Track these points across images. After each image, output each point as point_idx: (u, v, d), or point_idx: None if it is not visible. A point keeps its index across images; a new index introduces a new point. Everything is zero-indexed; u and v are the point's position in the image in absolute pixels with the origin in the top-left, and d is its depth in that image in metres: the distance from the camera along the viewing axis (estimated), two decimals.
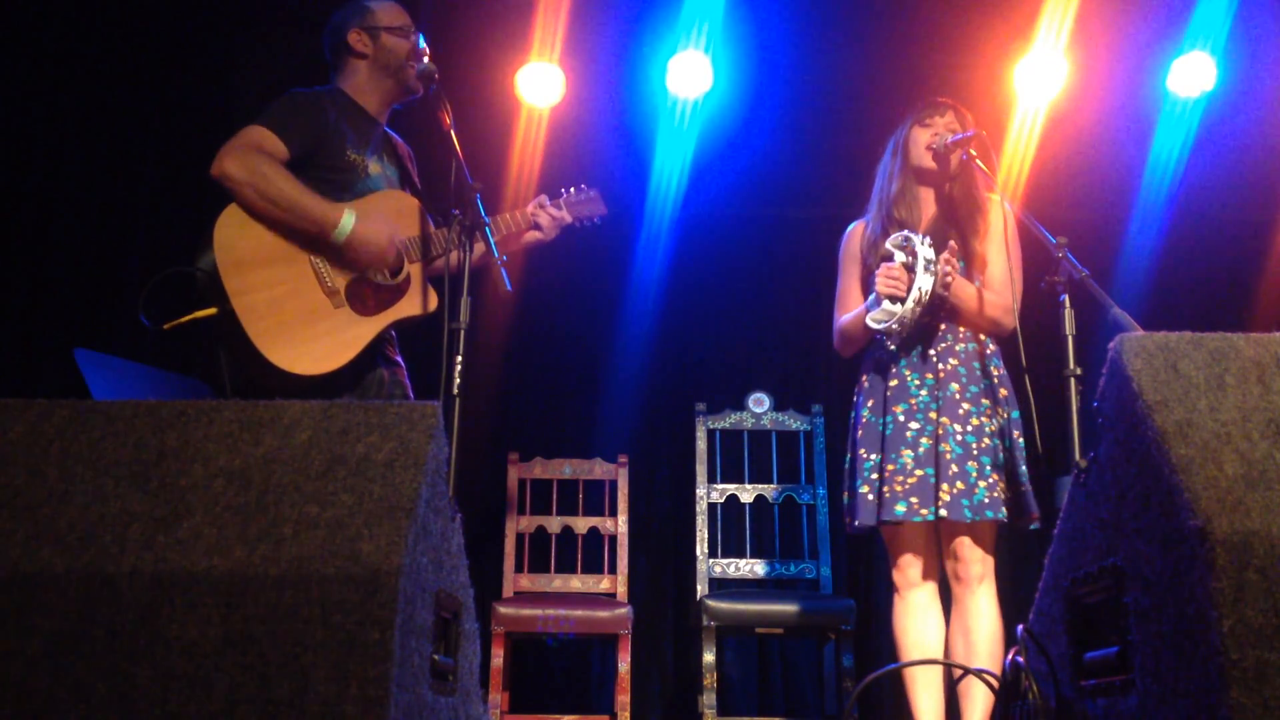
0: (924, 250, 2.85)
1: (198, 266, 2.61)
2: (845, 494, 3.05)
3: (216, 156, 2.66)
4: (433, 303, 2.82)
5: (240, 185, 2.64)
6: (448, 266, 2.54)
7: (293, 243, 2.69)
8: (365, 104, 2.94)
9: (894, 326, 2.88)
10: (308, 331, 2.64)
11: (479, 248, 2.78)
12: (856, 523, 2.97)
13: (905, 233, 2.93)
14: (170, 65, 4.53)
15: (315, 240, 2.69)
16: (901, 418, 2.94)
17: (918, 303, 2.83)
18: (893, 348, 2.99)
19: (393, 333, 2.94)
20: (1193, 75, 4.42)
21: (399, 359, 2.94)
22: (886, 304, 2.89)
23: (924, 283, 2.83)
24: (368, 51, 2.92)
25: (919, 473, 2.87)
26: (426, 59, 2.88)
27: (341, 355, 2.68)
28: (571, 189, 3.12)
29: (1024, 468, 2.89)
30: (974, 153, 2.95)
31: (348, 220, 2.68)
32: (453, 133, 2.73)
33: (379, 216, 2.77)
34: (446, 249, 2.77)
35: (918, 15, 4.41)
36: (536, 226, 3.03)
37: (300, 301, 2.66)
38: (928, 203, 3.11)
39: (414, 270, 2.81)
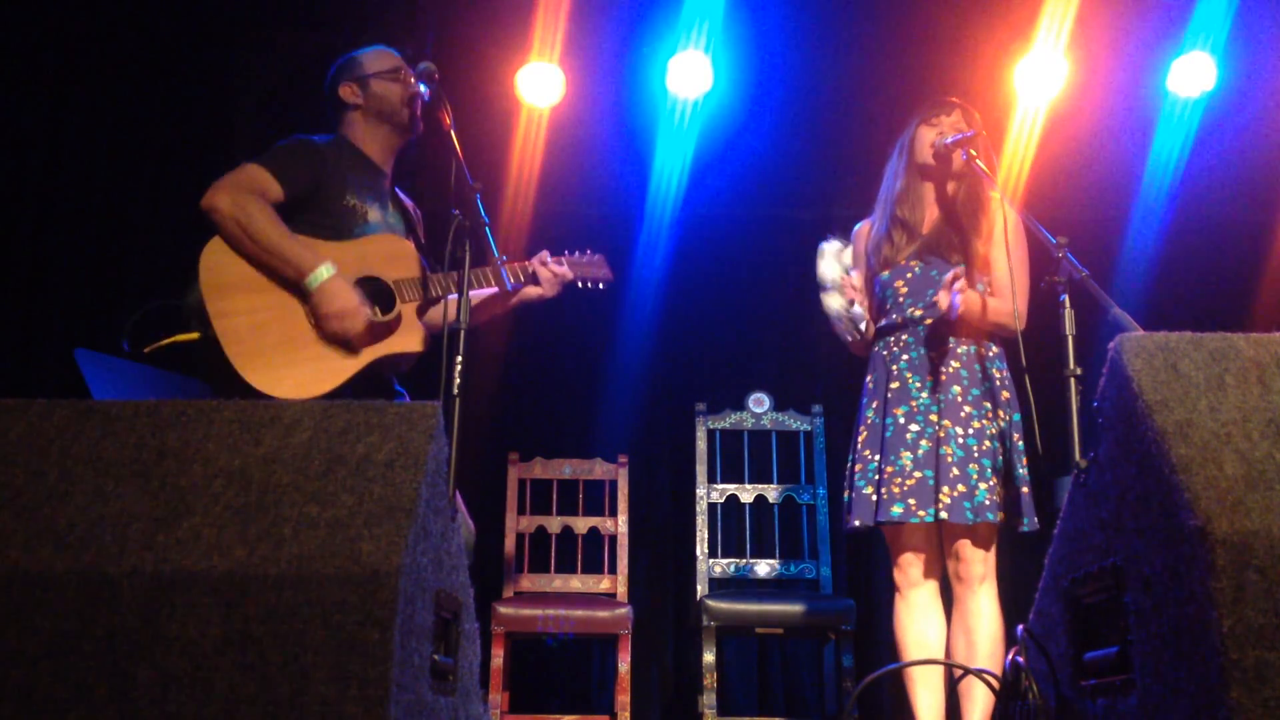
0: (826, 269, 3.08)
1: (184, 298, 2.63)
2: (846, 492, 3.05)
3: (209, 190, 2.69)
4: (419, 344, 2.81)
5: (225, 220, 2.66)
6: (445, 316, 2.49)
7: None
8: (369, 152, 2.96)
9: (852, 332, 3.01)
10: (289, 358, 2.64)
11: (479, 296, 2.86)
12: (855, 521, 2.97)
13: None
14: (170, 65, 4.52)
15: (292, 285, 2.69)
16: (902, 420, 2.94)
17: (837, 319, 3.02)
18: (894, 347, 3.00)
19: (390, 376, 2.92)
20: (1193, 75, 4.42)
21: (401, 389, 2.93)
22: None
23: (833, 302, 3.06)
24: (360, 102, 2.94)
25: (918, 474, 2.88)
26: (424, 88, 2.88)
27: (322, 384, 2.67)
28: (576, 252, 3.10)
29: (1022, 471, 2.89)
30: (974, 152, 2.95)
31: (323, 272, 2.67)
32: (453, 133, 2.74)
33: (352, 264, 2.75)
34: (436, 299, 2.80)
35: (918, 15, 4.41)
36: (535, 281, 2.98)
37: (284, 329, 2.66)
38: (931, 202, 3.11)
39: (406, 310, 2.80)
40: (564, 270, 3.01)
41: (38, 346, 4.30)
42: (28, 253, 4.39)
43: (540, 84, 4.43)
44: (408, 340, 2.79)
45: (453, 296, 2.73)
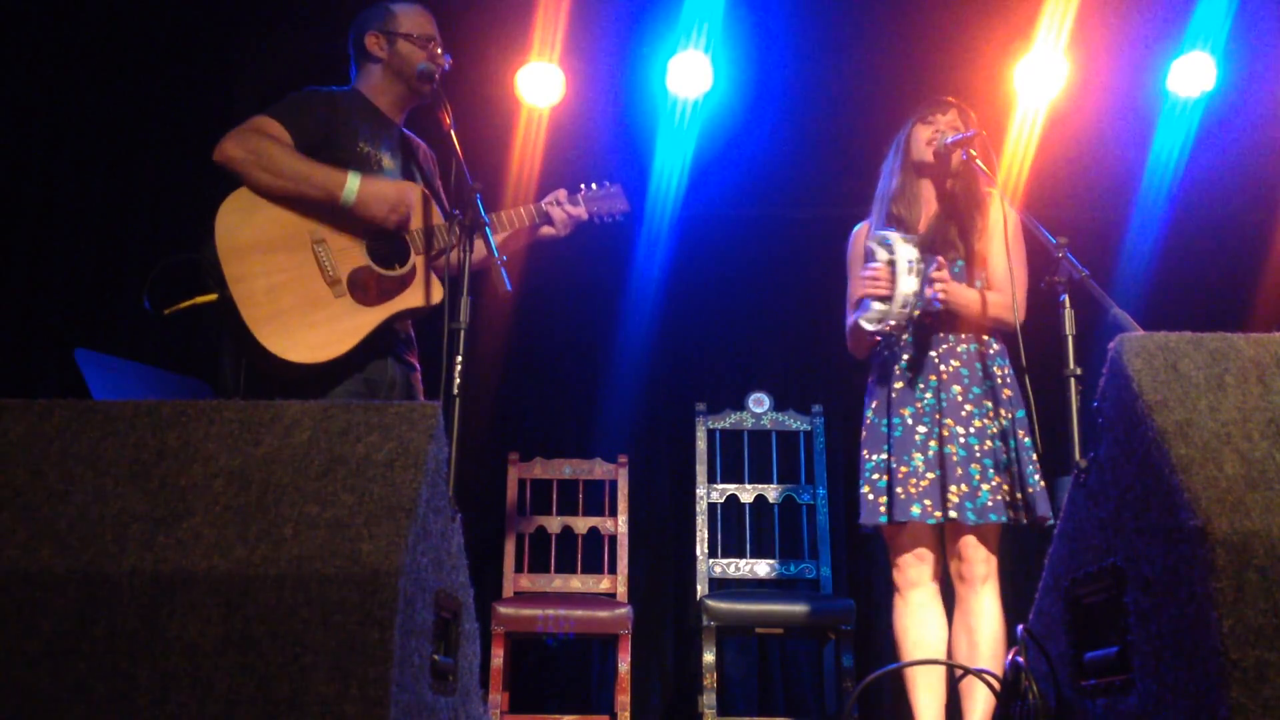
0: (904, 250, 2.81)
1: (201, 254, 2.62)
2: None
3: (221, 141, 2.69)
4: (437, 295, 2.79)
5: (242, 165, 2.66)
6: (448, 266, 2.53)
7: (297, 230, 2.69)
8: (380, 105, 2.94)
9: (886, 327, 2.87)
10: (305, 319, 2.63)
11: (480, 248, 2.75)
12: (859, 521, 2.98)
13: (884, 232, 2.91)
14: (171, 64, 4.52)
15: (326, 210, 2.68)
16: (910, 421, 2.94)
17: (905, 305, 2.81)
18: (896, 347, 2.99)
19: (411, 334, 2.93)
20: (1193, 75, 4.42)
21: (416, 363, 2.93)
22: (875, 305, 2.88)
23: (907, 285, 2.79)
24: (383, 56, 2.92)
25: (930, 475, 2.88)
26: (444, 64, 2.86)
27: (340, 344, 2.66)
28: (593, 184, 3.07)
29: (1032, 468, 2.89)
30: (974, 152, 2.94)
31: (353, 180, 2.68)
32: (453, 133, 2.72)
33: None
34: (447, 246, 2.75)
35: (918, 15, 4.40)
36: (549, 221, 2.98)
37: (300, 289, 2.65)
38: (928, 200, 3.10)
39: (418, 262, 2.79)
40: (579, 210, 3.01)
41: (38, 346, 4.30)
42: (28, 253, 4.39)
43: (540, 84, 4.43)
44: (422, 294, 2.78)
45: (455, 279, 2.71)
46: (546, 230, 3.01)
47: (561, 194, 3.01)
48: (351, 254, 2.73)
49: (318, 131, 2.77)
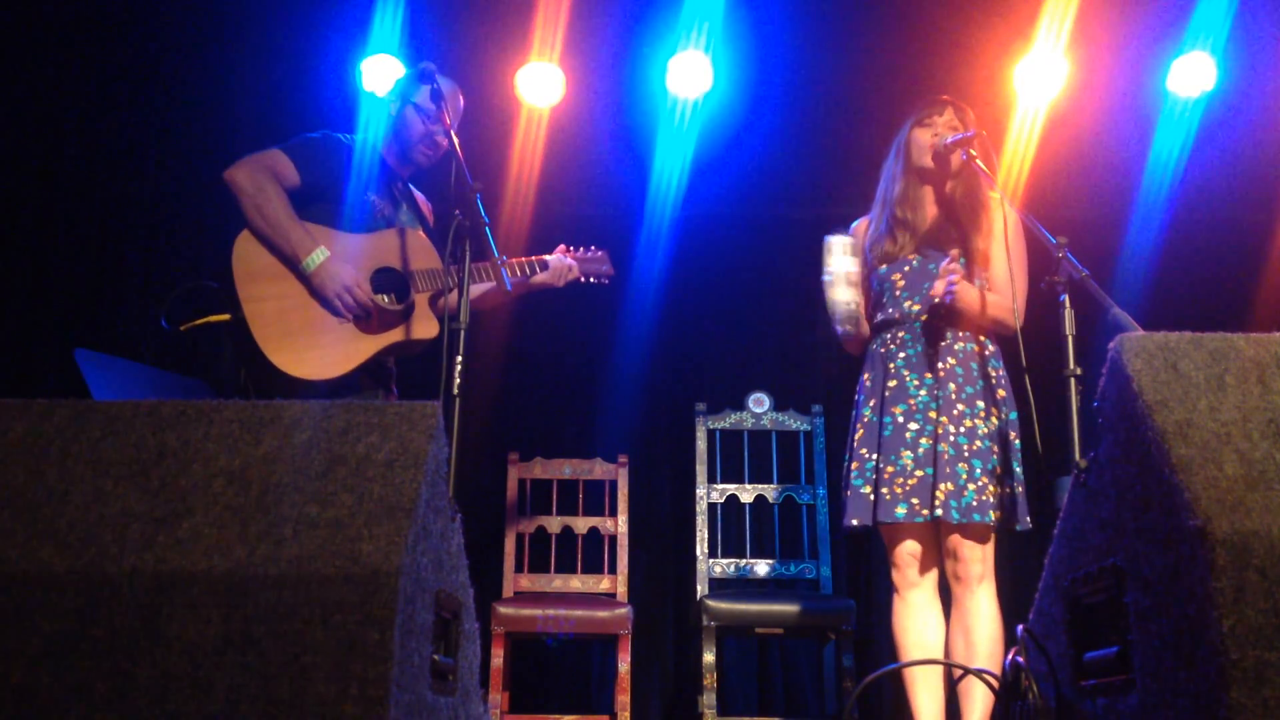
0: (841, 263, 3.02)
1: (216, 280, 2.88)
2: (845, 492, 3.04)
3: (235, 164, 2.96)
4: (432, 330, 3.02)
5: (242, 194, 2.92)
6: (447, 305, 2.66)
7: None
8: (387, 157, 3.21)
9: (848, 326, 3.03)
10: (311, 340, 2.86)
11: (481, 289, 3.09)
12: (853, 521, 2.96)
13: (830, 239, 3.04)
14: (172, 65, 4.52)
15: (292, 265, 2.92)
16: (901, 419, 2.94)
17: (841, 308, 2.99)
18: (892, 345, 3.00)
19: (393, 366, 3.13)
20: (1193, 75, 4.42)
21: (395, 389, 3.15)
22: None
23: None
24: (392, 114, 3.20)
25: (919, 474, 2.87)
26: (443, 143, 3.09)
27: (341, 365, 2.90)
28: (581, 248, 3.33)
29: (1018, 470, 2.89)
30: (974, 152, 2.95)
31: (318, 256, 2.90)
32: (453, 133, 2.84)
33: (369, 256, 2.98)
34: (445, 288, 2.95)
35: (918, 15, 4.41)
36: (545, 267, 3.23)
37: (306, 314, 2.89)
38: (930, 203, 3.11)
39: (420, 299, 3.03)
40: (572, 265, 3.28)
41: (38, 346, 4.30)
42: (28, 253, 4.39)
43: (540, 84, 4.43)
44: (421, 328, 3.02)
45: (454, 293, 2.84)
46: (540, 276, 3.24)
47: (563, 248, 3.29)
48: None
49: (325, 176, 3.02)
